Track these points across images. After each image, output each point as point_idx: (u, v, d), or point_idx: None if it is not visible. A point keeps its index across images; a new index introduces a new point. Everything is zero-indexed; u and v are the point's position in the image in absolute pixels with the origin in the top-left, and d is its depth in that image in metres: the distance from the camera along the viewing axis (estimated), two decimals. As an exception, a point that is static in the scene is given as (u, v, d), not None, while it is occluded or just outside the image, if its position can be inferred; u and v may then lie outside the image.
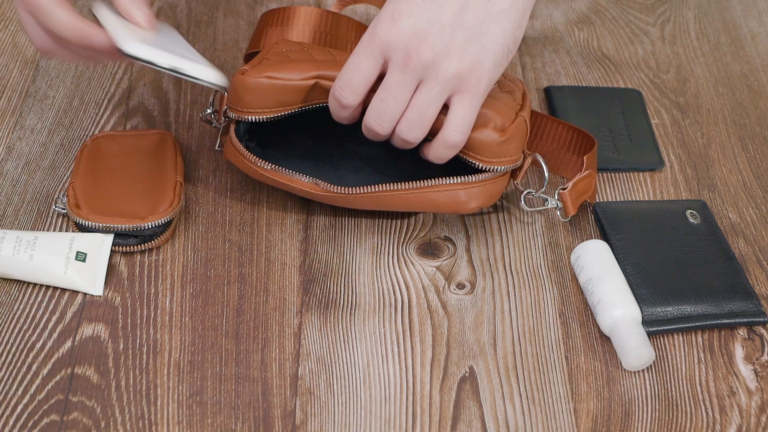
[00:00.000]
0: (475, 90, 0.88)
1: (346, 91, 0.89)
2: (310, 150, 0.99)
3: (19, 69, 1.13)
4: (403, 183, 0.92)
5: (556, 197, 0.95)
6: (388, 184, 0.92)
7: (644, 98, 1.11)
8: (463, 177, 0.92)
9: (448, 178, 0.92)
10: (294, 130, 0.99)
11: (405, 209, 0.94)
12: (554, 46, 1.18)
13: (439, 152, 0.90)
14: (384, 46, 0.87)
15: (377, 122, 0.89)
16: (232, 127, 0.95)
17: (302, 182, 0.93)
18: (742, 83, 1.14)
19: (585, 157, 0.97)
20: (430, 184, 0.92)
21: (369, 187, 0.92)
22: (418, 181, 0.92)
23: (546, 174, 0.95)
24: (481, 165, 0.91)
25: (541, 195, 0.96)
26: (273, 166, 0.94)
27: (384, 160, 0.98)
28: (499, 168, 0.92)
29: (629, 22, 1.21)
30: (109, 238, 0.93)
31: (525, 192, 0.96)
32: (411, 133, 0.89)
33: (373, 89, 0.89)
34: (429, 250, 0.96)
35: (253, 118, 0.93)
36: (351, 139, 0.98)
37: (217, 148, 1.00)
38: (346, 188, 0.93)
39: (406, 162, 0.97)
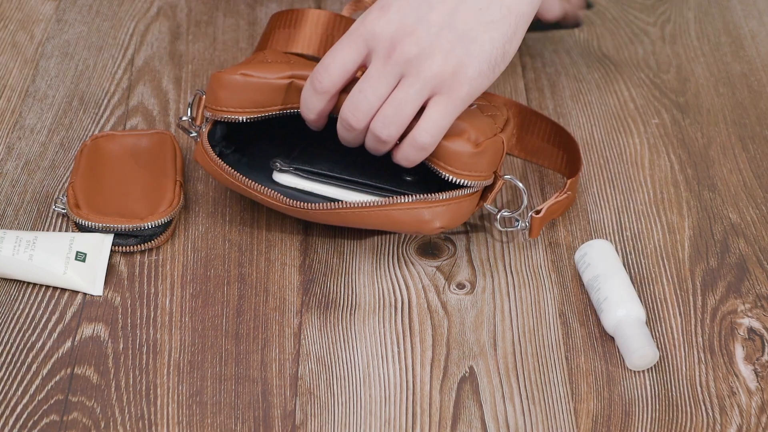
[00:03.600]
0: (455, 94, 0.87)
1: (323, 75, 0.88)
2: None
3: (19, 69, 1.13)
4: (363, 200, 0.91)
5: (528, 218, 0.94)
6: (347, 201, 0.91)
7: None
8: (426, 195, 0.90)
9: (410, 195, 0.90)
10: (273, 143, 0.98)
11: (366, 227, 0.92)
12: (554, 46, 1.18)
13: (405, 153, 0.88)
14: (369, 36, 0.87)
15: (352, 113, 0.88)
16: (207, 129, 0.95)
17: (264, 194, 0.92)
18: (742, 83, 1.14)
19: (569, 181, 0.96)
20: (391, 202, 0.90)
21: (328, 204, 0.91)
22: (379, 198, 0.91)
23: (524, 197, 0.94)
24: (449, 177, 0.90)
25: (515, 216, 0.95)
26: (237, 173, 0.92)
27: (353, 170, 0.95)
28: (467, 182, 0.90)
29: (629, 22, 1.21)
30: (109, 238, 0.93)
31: (501, 212, 0.94)
32: (385, 129, 0.87)
33: (347, 89, 0.89)
34: (429, 250, 0.96)
35: (228, 117, 0.93)
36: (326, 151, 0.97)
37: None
38: (306, 203, 0.91)
39: (377, 174, 0.95)
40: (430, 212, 0.90)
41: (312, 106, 0.90)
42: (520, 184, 0.93)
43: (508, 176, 0.93)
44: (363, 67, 0.89)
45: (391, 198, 0.90)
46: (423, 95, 0.87)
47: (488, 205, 0.93)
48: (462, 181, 0.90)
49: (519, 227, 0.95)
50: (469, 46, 0.86)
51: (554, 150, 1.02)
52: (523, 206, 0.94)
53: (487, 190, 0.94)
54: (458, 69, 0.86)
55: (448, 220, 0.91)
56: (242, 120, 0.93)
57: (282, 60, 0.95)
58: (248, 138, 0.98)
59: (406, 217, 0.90)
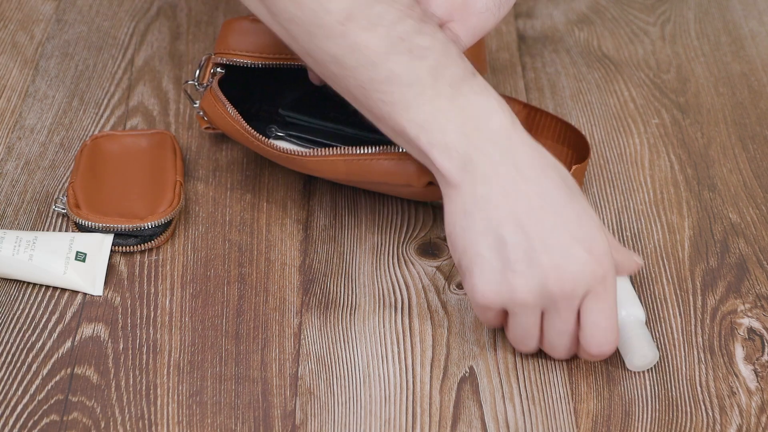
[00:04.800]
0: (465, 23, 0.89)
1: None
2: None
3: (19, 69, 1.13)
4: (354, 148, 0.91)
5: None
6: (338, 148, 0.91)
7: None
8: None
9: (399, 147, 0.90)
10: (272, 115, 1.01)
11: (359, 178, 0.92)
12: (554, 46, 1.18)
13: None
14: None
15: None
16: (216, 79, 0.97)
17: (263, 141, 0.93)
18: (742, 83, 1.14)
19: (574, 167, 0.96)
20: (379, 151, 0.90)
21: (322, 150, 0.91)
22: (368, 147, 0.91)
23: None
24: None
25: None
26: (240, 118, 0.94)
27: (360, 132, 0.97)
28: None
29: (629, 22, 1.21)
30: (109, 238, 0.93)
31: None
32: None
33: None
34: (429, 250, 0.96)
35: (237, 61, 0.96)
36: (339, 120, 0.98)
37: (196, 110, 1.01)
38: (300, 151, 0.92)
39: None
40: (419, 165, 0.90)
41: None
42: None
43: None
44: None
45: (381, 147, 0.90)
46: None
47: None
48: None
49: None
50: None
51: (562, 148, 1.02)
52: None
53: None
54: (467, 1, 0.89)
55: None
56: (249, 65, 0.96)
57: None
58: (248, 116, 0.98)
59: (396, 168, 0.91)
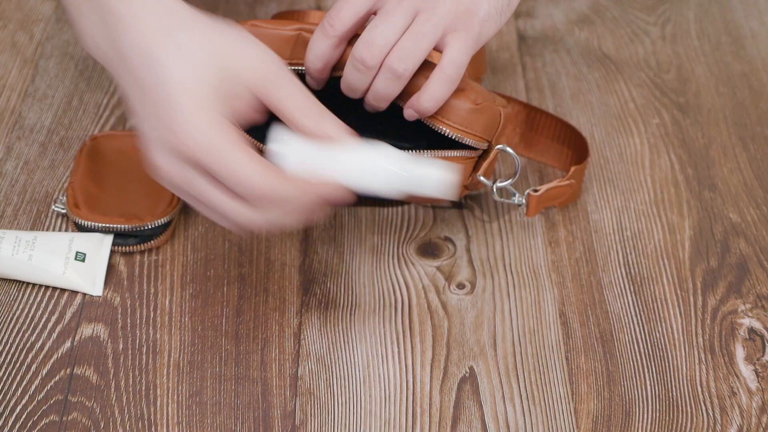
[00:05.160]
0: (471, 31, 0.89)
1: (334, 18, 0.89)
2: None
3: (19, 69, 1.13)
4: None
5: (525, 195, 0.95)
6: None
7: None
8: (416, 152, 0.90)
9: (396, 150, 0.88)
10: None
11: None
12: (554, 46, 1.17)
13: (433, 90, 0.88)
14: None
15: (368, 49, 0.87)
16: None
17: (254, 143, 0.91)
18: (742, 83, 1.14)
19: (573, 168, 0.96)
20: None
21: None
22: None
23: (517, 165, 0.94)
24: (446, 131, 0.90)
25: (510, 188, 0.95)
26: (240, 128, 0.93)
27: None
28: (462, 138, 0.90)
29: (630, 22, 1.21)
30: (109, 238, 0.93)
31: (495, 183, 0.95)
32: (402, 63, 0.87)
33: (352, 42, 0.89)
34: (429, 250, 0.96)
35: None
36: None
37: None
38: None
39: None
40: None
41: (320, 52, 0.90)
42: (513, 151, 0.93)
43: (500, 145, 0.93)
44: (373, 14, 0.90)
45: None
46: (439, 30, 0.88)
47: (482, 177, 0.93)
48: (457, 136, 0.90)
49: (516, 201, 0.95)
50: None
51: (561, 148, 1.02)
52: (517, 175, 0.94)
53: (480, 161, 0.94)
54: (470, 8, 0.89)
55: None
56: None
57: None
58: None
59: None
